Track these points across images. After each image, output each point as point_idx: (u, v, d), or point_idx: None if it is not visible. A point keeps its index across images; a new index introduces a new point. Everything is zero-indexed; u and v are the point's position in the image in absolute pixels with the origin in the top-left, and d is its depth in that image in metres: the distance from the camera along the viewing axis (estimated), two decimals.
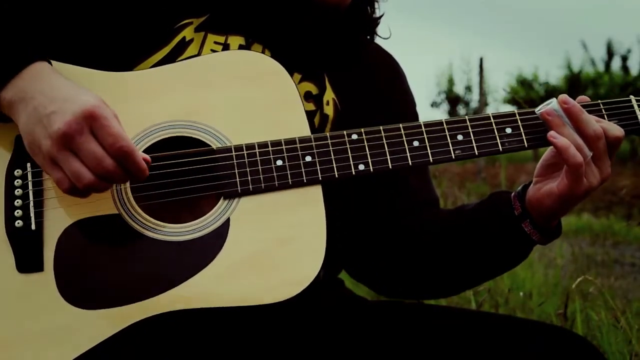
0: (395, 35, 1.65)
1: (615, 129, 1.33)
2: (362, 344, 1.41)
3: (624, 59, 24.10)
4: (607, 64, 24.39)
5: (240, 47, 1.43)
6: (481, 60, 13.87)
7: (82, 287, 1.23)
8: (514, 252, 1.42)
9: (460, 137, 1.34)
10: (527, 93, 23.97)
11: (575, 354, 1.29)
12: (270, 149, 1.30)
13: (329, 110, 1.48)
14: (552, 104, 1.32)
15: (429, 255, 1.48)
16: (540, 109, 1.34)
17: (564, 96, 1.33)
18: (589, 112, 1.34)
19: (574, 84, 23.58)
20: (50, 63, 1.26)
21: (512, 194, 1.41)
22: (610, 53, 24.39)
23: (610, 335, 2.61)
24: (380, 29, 1.60)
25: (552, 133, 1.31)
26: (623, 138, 1.32)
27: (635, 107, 1.38)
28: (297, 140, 1.30)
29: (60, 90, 1.19)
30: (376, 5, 1.57)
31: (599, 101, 1.38)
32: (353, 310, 1.50)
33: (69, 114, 1.15)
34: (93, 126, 1.15)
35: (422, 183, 1.57)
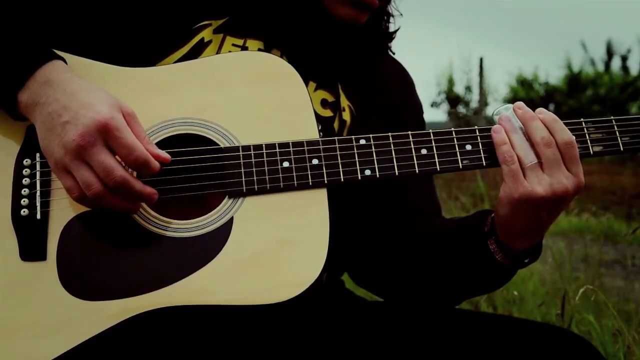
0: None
1: (563, 132, 1.30)
2: (362, 344, 1.42)
3: (624, 59, 24.02)
4: (607, 64, 24.32)
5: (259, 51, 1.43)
6: (481, 60, 13.79)
7: (83, 278, 1.24)
8: (483, 271, 1.39)
9: (468, 147, 1.34)
10: (527, 93, 23.93)
11: (575, 354, 1.29)
12: (277, 150, 1.30)
13: (346, 116, 1.50)
14: (508, 109, 1.33)
15: (419, 265, 1.48)
16: (496, 114, 1.35)
17: (519, 103, 1.34)
18: (600, 127, 1.34)
19: (574, 84, 23.52)
20: (65, 61, 1.27)
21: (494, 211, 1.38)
22: (610, 53, 24.31)
23: (607, 336, 2.61)
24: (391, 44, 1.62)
25: (495, 127, 1.32)
26: (572, 144, 1.29)
27: None
28: (305, 143, 1.31)
29: (75, 96, 1.20)
30: (391, 19, 1.59)
31: (612, 117, 1.37)
32: (353, 310, 1.51)
33: (82, 126, 1.17)
34: (106, 138, 1.18)
35: (424, 191, 1.58)
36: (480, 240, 1.36)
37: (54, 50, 1.28)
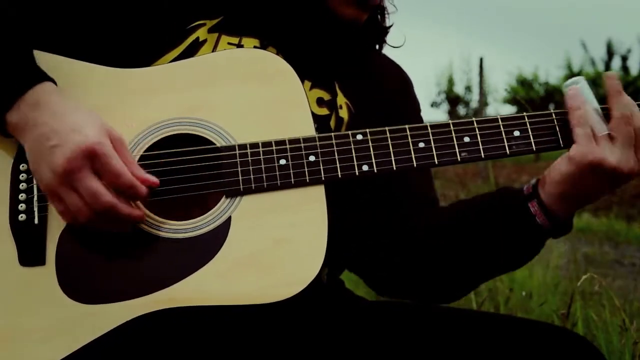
0: (394, 35, 1.65)
1: None
2: (362, 344, 1.41)
3: (624, 59, 24.05)
4: (607, 64, 24.34)
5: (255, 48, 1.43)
6: (481, 60, 13.85)
7: (82, 282, 1.24)
8: (522, 238, 1.38)
9: (467, 139, 1.33)
10: (527, 93, 23.96)
11: (575, 354, 1.29)
12: (273, 147, 1.30)
13: (343, 113, 1.49)
14: (579, 82, 1.33)
15: (435, 253, 1.46)
16: (569, 84, 1.35)
17: (611, 72, 1.35)
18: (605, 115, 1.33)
19: None
20: (55, 83, 1.26)
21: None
22: (610, 53, 24.33)
23: (611, 335, 2.61)
24: (389, 37, 1.61)
25: (570, 92, 1.33)
26: None
27: None
28: (301, 140, 1.30)
29: (63, 118, 1.20)
30: (386, 15, 1.58)
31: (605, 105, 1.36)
32: (352, 310, 1.50)
33: (69, 150, 1.17)
34: (94, 163, 1.18)
35: (423, 183, 1.57)
36: (520, 203, 1.36)
37: (44, 71, 1.27)
